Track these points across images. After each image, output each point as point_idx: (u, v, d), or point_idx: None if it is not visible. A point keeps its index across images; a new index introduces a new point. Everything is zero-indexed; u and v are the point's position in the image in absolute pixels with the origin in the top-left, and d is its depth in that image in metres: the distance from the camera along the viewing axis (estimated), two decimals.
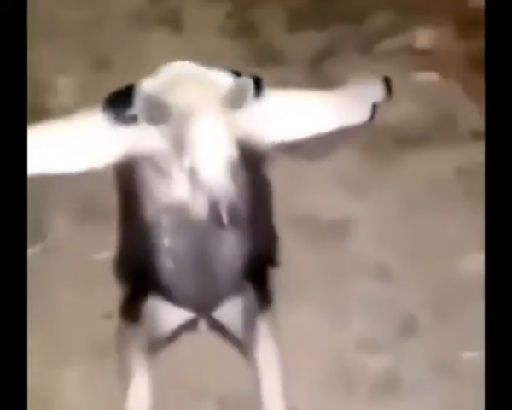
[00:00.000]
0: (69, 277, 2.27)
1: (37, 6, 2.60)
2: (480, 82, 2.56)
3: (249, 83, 1.77)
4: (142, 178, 1.86)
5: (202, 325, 2.00)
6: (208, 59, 2.04)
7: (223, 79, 1.84)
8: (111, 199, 2.22)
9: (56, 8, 2.83)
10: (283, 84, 2.21)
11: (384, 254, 2.20)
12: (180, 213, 1.82)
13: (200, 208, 1.78)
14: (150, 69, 2.02)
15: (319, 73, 2.62)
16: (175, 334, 2.01)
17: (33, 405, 1.93)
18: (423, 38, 2.72)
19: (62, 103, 2.60)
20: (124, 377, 1.97)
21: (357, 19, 2.78)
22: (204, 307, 1.95)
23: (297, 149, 2.38)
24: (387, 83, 2.10)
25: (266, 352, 1.95)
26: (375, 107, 2.10)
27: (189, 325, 2.01)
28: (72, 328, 2.16)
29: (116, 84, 2.14)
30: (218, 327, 2.01)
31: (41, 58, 2.64)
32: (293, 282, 2.11)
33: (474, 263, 2.18)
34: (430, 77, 2.63)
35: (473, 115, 2.51)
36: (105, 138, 1.88)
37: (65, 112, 2.25)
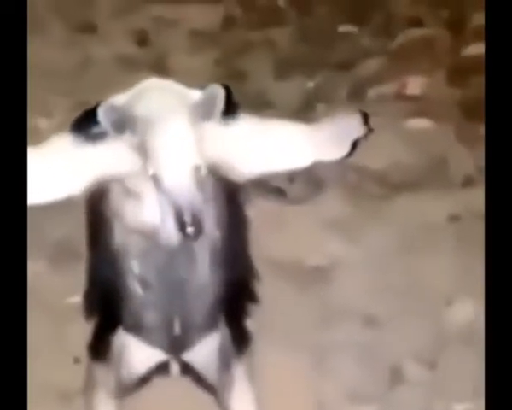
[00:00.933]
0: (39, 320, 2.17)
1: None
2: (472, 128, 2.53)
3: (219, 91, 1.68)
4: (112, 202, 1.76)
5: (174, 368, 1.89)
6: None
7: (192, 92, 1.76)
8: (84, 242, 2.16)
9: (43, 49, 2.80)
10: None
11: (371, 301, 2.09)
12: (150, 237, 1.73)
13: (170, 232, 1.68)
14: None
15: (309, 120, 2.57)
16: (144, 379, 1.88)
17: None
18: (414, 85, 2.68)
19: None
20: None
21: (347, 65, 2.74)
22: (175, 344, 1.83)
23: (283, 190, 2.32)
24: (365, 118, 2.02)
25: (241, 399, 1.82)
26: (354, 143, 2.01)
27: (160, 369, 1.88)
28: (39, 372, 2.04)
29: None
30: (190, 370, 1.88)
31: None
32: (274, 326, 2.00)
33: (465, 311, 2.07)
34: (421, 123, 2.57)
35: (465, 161, 2.44)
36: (76, 160, 1.78)
37: None
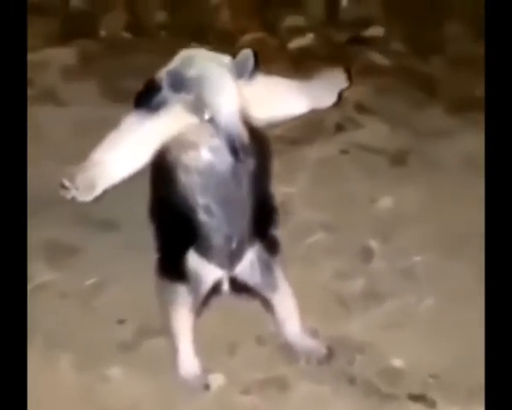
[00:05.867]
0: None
1: None
2: None
3: (250, 54, 2.23)
4: (174, 153, 2.21)
5: (225, 285, 2.34)
6: None
7: (222, 57, 2.26)
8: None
9: None
10: None
11: (323, 214, 2.85)
12: (208, 172, 2.20)
13: (223, 165, 2.19)
14: None
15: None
16: (208, 297, 2.33)
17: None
18: None
19: None
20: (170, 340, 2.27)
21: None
22: (231, 258, 2.30)
23: None
24: (349, 73, 2.65)
25: (285, 295, 2.36)
26: (340, 93, 2.63)
27: (215, 288, 2.33)
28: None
29: None
30: (238, 284, 2.35)
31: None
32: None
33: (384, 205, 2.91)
34: None
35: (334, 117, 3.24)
36: (143, 132, 2.19)
37: None
